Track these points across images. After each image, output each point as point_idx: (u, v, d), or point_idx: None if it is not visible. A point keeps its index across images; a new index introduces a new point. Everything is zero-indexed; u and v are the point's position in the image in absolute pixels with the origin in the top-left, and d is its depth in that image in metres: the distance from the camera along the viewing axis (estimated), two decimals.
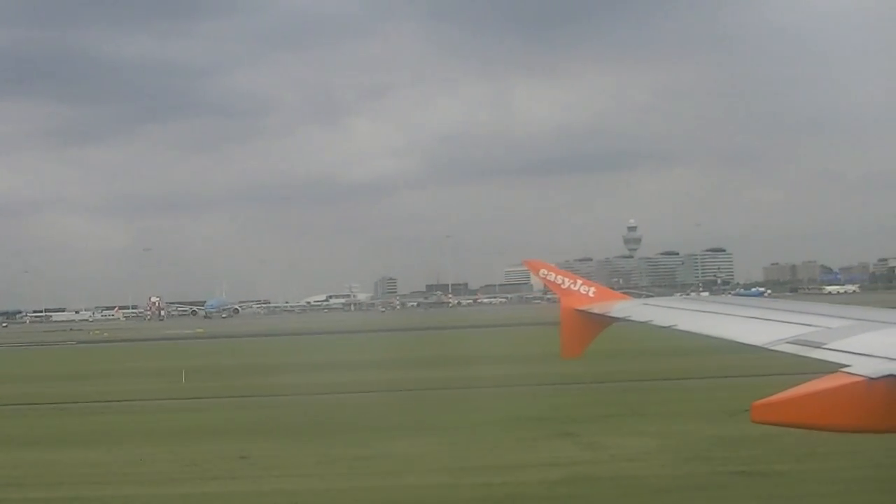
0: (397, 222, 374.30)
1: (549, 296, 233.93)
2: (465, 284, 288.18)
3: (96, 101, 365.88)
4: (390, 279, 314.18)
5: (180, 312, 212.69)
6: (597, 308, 16.05)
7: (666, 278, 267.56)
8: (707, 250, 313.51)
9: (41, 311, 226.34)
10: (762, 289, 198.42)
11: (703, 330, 12.24)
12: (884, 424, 7.55)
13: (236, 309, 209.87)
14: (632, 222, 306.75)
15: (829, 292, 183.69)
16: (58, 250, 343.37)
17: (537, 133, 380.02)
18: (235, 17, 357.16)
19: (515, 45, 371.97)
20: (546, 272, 17.89)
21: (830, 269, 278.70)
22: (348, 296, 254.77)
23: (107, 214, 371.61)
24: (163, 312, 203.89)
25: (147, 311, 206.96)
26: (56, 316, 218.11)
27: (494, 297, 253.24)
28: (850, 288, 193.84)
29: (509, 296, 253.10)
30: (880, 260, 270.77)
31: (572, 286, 16.93)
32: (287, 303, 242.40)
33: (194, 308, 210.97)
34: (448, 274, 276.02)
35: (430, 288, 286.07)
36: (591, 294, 16.74)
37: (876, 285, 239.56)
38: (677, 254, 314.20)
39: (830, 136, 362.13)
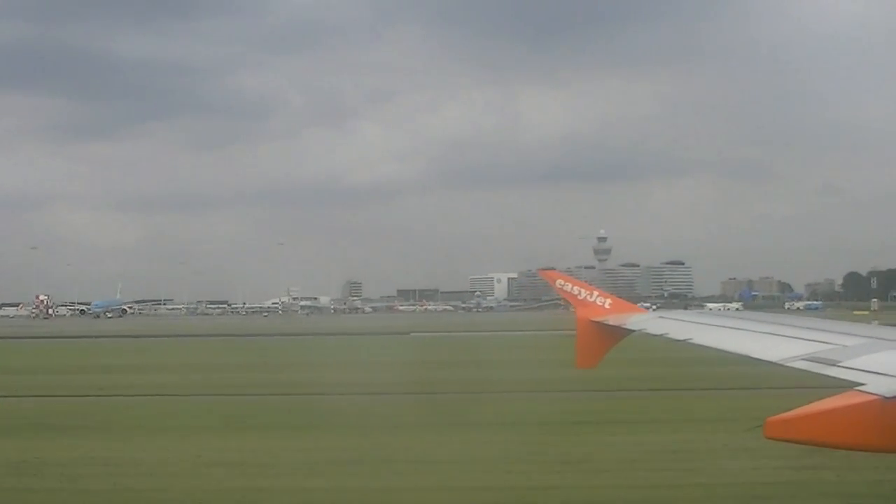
0: (397, 226, 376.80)
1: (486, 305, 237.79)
2: (437, 290, 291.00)
3: (103, 97, 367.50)
4: (355, 283, 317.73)
5: (71, 311, 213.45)
6: (612, 320, 16.15)
7: (626, 290, 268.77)
8: (666, 263, 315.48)
9: None
10: (647, 304, 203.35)
11: (719, 344, 12.31)
12: None
13: (124, 310, 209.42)
14: (602, 233, 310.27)
15: (710, 308, 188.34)
16: (61, 245, 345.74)
17: (543, 141, 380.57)
18: (241, 18, 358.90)
19: (523, 52, 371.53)
20: (563, 283, 17.99)
21: (789, 286, 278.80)
22: (314, 298, 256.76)
23: (111, 210, 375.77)
24: (50, 311, 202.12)
25: (34, 309, 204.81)
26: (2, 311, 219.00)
27: (437, 305, 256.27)
28: (732, 306, 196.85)
29: (454, 303, 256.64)
30: (845, 276, 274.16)
31: (588, 297, 17.04)
32: (244, 304, 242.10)
33: (83, 308, 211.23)
34: (419, 279, 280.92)
35: (401, 293, 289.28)
36: (607, 305, 16.85)
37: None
38: (637, 266, 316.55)
39: (839, 151, 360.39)
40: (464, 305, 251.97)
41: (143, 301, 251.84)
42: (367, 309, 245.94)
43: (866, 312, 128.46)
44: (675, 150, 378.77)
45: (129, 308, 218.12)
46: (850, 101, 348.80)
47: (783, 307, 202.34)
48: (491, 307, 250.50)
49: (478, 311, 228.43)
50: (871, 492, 19.72)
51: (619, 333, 16.04)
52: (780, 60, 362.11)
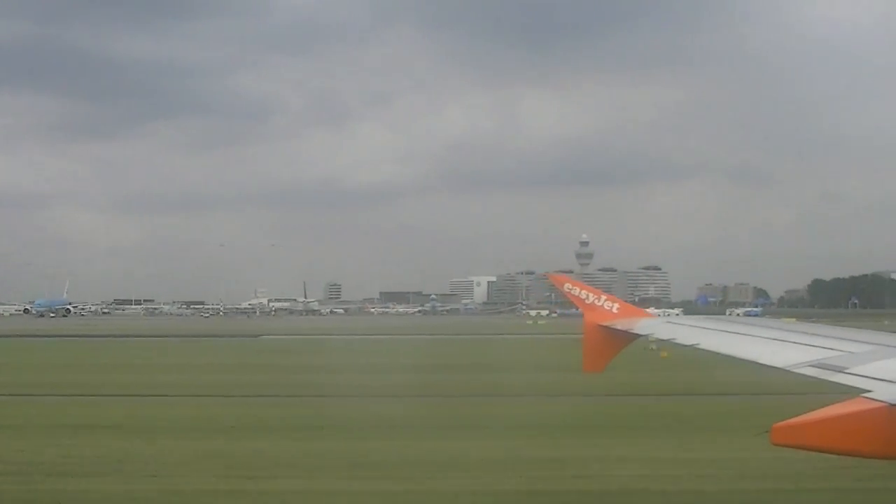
0: (391, 228, 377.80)
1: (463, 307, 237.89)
2: (419, 292, 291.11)
3: (103, 98, 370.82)
4: (334, 285, 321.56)
5: (17, 311, 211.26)
6: (620, 324, 16.16)
7: None
8: (642, 268, 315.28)
9: None
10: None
11: (726, 350, 12.31)
12: None
13: (68, 309, 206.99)
14: (584, 237, 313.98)
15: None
16: (61, 245, 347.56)
17: (541, 144, 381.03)
18: (241, 20, 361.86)
19: (522, 55, 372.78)
20: (570, 286, 18.03)
21: (765, 293, 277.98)
22: (293, 300, 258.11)
23: (111, 210, 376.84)
24: None
25: None
26: None
27: (409, 308, 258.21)
28: (673, 311, 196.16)
29: (425, 306, 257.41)
30: (810, 284, 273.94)
31: (596, 301, 17.05)
32: (223, 304, 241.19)
33: (27, 307, 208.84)
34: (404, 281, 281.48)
35: (384, 295, 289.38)
36: (614, 310, 16.86)
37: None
38: (615, 271, 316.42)
39: (837, 158, 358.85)
40: (419, 309, 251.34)
41: (117, 300, 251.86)
42: (325, 311, 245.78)
43: (793, 320, 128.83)
44: (672, 155, 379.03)
45: (74, 307, 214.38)
46: (850, 109, 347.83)
47: (724, 313, 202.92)
48: (447, 309, 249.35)
49: (434, 315, 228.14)
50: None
51: (626, 338, 16.04)
52: (777, 67, 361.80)
